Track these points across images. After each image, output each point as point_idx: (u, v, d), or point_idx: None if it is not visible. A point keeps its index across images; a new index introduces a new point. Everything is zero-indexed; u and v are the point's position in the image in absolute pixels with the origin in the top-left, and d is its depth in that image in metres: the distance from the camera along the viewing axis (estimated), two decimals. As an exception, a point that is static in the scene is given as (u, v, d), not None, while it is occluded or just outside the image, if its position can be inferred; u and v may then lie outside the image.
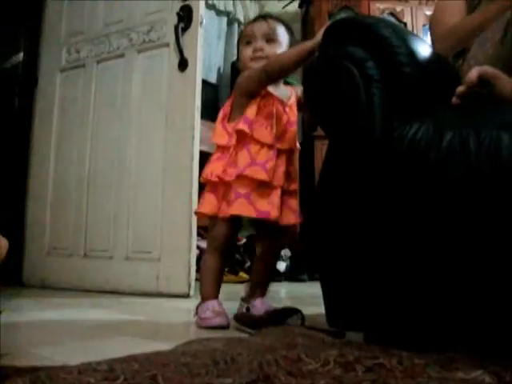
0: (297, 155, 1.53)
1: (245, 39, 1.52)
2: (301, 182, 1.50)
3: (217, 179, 1.43)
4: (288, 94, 1.52)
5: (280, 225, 1.43)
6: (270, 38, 1.48)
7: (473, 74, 1.02)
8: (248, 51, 1.49)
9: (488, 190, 0.86)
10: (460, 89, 1.03)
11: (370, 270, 1.01)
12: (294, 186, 1.49)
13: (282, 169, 1.43)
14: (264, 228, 1.48)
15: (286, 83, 1.57)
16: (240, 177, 1.39)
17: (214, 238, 1.48)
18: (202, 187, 2.26)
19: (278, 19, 1.57)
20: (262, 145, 1.42)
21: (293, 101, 1.51)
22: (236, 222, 1.45)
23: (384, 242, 0.98)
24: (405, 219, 0.95)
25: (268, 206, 1.38)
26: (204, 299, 1.46)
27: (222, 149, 1.47)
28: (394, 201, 0.97)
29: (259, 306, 1.43)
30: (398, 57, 1.06)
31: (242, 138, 1.43)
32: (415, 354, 0.77)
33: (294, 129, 1.47)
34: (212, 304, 1.43)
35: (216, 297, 1.47)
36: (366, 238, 1.02)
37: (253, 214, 1.38)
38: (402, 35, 1.11)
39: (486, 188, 0.86)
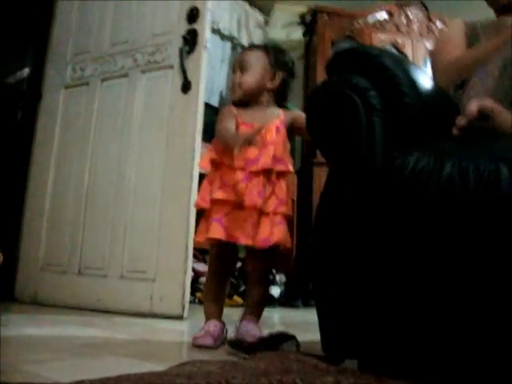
0: (287, 177, 1.53)
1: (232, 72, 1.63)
2: (298, 208, 1.50)
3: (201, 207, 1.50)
4: (266, 117, 1.53)
5: (268, 248, 1.43)
6: (242, 67, 1.57)
7: (473, 107, 1.03)
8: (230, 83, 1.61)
9: (487, 220, 0.87)
10: (460, 121, 1.05)
11: (368, 299, 1.00)
12: (282, 209, 1.47)
13: (256, 189, 1.43)
14: (251, 251, 1.48)
15: (284, 107, 1.59)
16: (213, 201, 1.45)
17: (210, 261, 1.58)
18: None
19: (257, 46, 1.67)
20: (233, 169, 1.45)
21: (274, 123, 1.51)
22: (229, 244, 1.46)
23: (382, 272, 0.98)
24: (404, 249, 0.95)
25: (239, 232, 1.42)
26: (206, 319, 1.51)
27: (206, 176, 1.55)
28: (393, 230, 0.97)
29: (243, 328, 1.43)
30: (399, 87, 1.07)
31: (216, 165, 1.50)
32: (410, 383, 0.77)
33: (269, 150, 1.46)
34: (208, 324, 1.47)
35: (215, 317, 1.50)
36: (364, 267, 1.02)
37: (223, 238, 1.42)
38: (405, 66, 1.13)
39: (484, 219, 0.87)
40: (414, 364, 0.94)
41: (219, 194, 1.44)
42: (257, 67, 1.55)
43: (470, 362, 0.89)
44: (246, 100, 1.57)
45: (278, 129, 1.51)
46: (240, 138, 1.41)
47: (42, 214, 2.68)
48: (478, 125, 1.03)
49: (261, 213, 1.43)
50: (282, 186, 1.49)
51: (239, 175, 1.44)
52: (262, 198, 1.43)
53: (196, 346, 1.42)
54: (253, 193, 1.42)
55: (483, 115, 1.03)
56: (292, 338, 1.30)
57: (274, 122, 1.51)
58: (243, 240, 1.42)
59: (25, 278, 2.66)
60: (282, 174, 1.50)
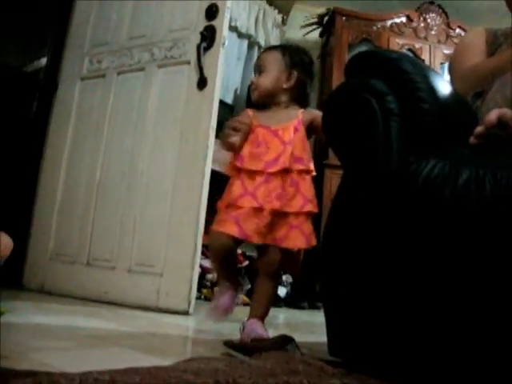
0: (310, 175, 1.51)
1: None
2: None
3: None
4: (283, 118, 1.54)
5: (282, 247, 1.44)
6: (260, 70, 1.59)
7: (492, 115, 1.02)
8: None
9: (501, 230, 0.86)
10: (478, 129, 1.04)
11: (377, 303, 1.00)
12: (308, 207, 1.46)
13: (275, 193, 1.44)
14: (265, 248, 1.48)
15: (304, 107, 1.59)
16: (231, 205, 1.45)
17: (213, 257, 1.57)
18: (210, 206, 2.27)
19: (273, 47, 1.67)
20: (252, 173, 1.46)
21: (292, 123, 1.52)
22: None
23: (393, 276, 0.98)
24: (416, 254, 0.94)
25: (254, 231, 1.42)
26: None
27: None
28: (406, 235, 0.96)
29: (248, 327, 1.42)
30: (418, 92, 1.07)
31: (237, 170, 1.50)
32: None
33: (287, 150, 1.47)
34: (217, 298, 1.53)
35: (225, 285, 1.52)
36: (374, 270, 1.01)
37: (238, 235, 1.42)
38: (424, 71, 1.12)
39: (500, 228, 0.86)
40: (422, 369, 0.93)
41: (244, 202, 1.44)
42: (273, 68, 1.56)
43: (482, 368, 0.88)
44: (264, 101, 1.57)
45: (295, 129, 1.51)
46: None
47: (53, 205, 2.69)
48: (496, 133, 1.02)
49: (281, 214, 1.44)
50: (307, 184, 1.49)
51: (258, 180, 1.45)
52: (281, 201, 1.43)
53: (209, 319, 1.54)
54: (271, 196, 1.43)
55: (502, 124, 1.02)
56: (292, 340, 1.30)
57: (291, 122, 1.52)
58: (258, 240, 1.42)
59: (33, 267, 2.68)
60: (304, 172, 1.50)
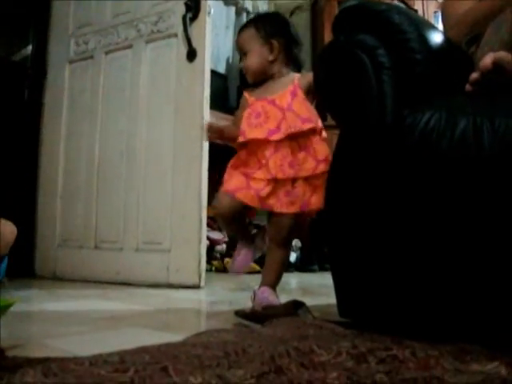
0: (314, 138, 1.48)
1: None
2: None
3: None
4: (278, 87, 1.53)
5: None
6: (243, 53, 1.57)
7: (487, 60, 0.99)
8: None
9: (502, 178, 0.84)
10: (474, 75, 1.01)
11: (382, 259, 1.00)
12: (322, 168, 1.43)
13: (287, 161, 1.43)
14: (276, 215, 1.47)
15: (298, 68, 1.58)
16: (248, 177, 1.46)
17: (225, 224, 1.64)
18: (210, 178, 2.26)
19: (243, 26, 1.64)
20: (259, 143, 1.46)
21: (287, 90, 1.50)
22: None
23: (395, 231, 0.97)
24: (416, 209, 0.93)
25: (273, 200, 1.44)
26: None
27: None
28: (405, 190, 0.95)
29: (259, 295, 1.43)
30: (409, 43, 1.04)
31: (242, 146, 1.51)
32: (428, 344, 0.76)
33: (288, 116, 1.46)
34: (234, 256, 1.62)
35: (240, 239, 1.61)
36: (377, 227, 1.00)
37: (258, 206, 1.46)
38: (414, 21, 1.09)
39: (500, 176, 0.84)
40: (432, 324, 0.93)
41: (258, 174, 1.45)
42: (252, 47, 1.54)
43: (489, 322, 0.88)
44: (259, 80, 1.56)
45: (293, 94, 1.49)
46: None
47: (55, 191, 2.70)
48: (492, 78, 0.99)
49: (295, 179, 1.44)
50: (317, 145, 1.47)
51: (268, 152, 1.44)
52: (294, 168, 1.43)
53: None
54: (284, 166, 1.43)
55: (498, 68, 0.99)
56: (303, 304, 1.30)
57: (287, 88, 1.50)
58: (278, 208, 1.43)
59: (43, 255, 2.70)
60: (313, 133, 1.48)
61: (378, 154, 1.00)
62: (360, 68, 1.04)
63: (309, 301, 1.37)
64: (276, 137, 1.44)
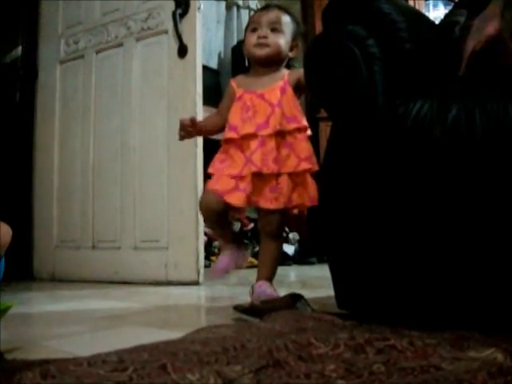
0: (306, 133, 1.50)
1: (251, 26, 1.56)
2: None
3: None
4: (268, 82, 1.52)
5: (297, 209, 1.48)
6: (275, 28, 1.51)
7: (491, 28, 0.97)
8: (253, 38, 1.53)
9: (495, 161, 0.84)
10: (474, 46, 0.97)
11: (379, 249, 1.00)
12: (304, 166, 1.44)
13: (271, 156, 1.43)
14: (264, 210, 1.48)
15: (288, 67, 1.57)
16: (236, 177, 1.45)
17: (206, 219, 1.63)
18: (206, 174, 2.25)
19: (286, 10, 1.60)
20: (248, 139, 1.45)
21: (277, 85, 1.50)
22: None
23: (391, 220, 0.97)
24: (411, 197, 0.93)
25: (258, 196, 1.44)
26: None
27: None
28: (400, 178, 0.95)
29: (257, 289, 1.44)
30: (399, 33, 1.04)
31: (231, 140, 1.49)
32: (426, 333, 0.77)
33: (276, 112, 1.46)
34: (220, 259, 1.58)
35: (225, 247, 1.58)
36: (373, 217, 1.00)
37: (244, 204, 1.44)
38: (403, 11, 1.09)
39: (493, 159, 0.85)
40: (429, 314, 0.94)
41: (248, 170, 1.44)
42: (287, 33, 1.53)
43: (485, 309, 0.89)
44: (268, 61, 1.53)
45: (282, 90, 1.50)
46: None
47: (51, 193, 2.69)
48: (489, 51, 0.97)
49: (279, 175, 1.44)
50: (301, 143, 1.48)
51: (253, 145, 1.44)
52: (278, 164, 1.43)
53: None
54: (268, 160, 1.43)
55: (500, 39, 0.96)
56: (301, 297, 1.30)
57: (277, 84, 1.50)
58: (263, 204, 1.43)
59: (41, 257, 2.69)
60: (299, 131, 1.48)
61: (371, 145, 0.99)
62: (350, 59, 1.03)
63: (307, 293, 1.37)
64: (264, 132, 1.44)
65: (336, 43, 1.08)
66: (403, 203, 0.95)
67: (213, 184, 1.49)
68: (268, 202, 1.43)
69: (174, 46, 2.33)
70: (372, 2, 1.09)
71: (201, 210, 1.55)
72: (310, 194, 1.45)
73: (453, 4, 1.64)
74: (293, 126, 1.47)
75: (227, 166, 1.48)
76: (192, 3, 2.30)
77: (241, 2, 4.07)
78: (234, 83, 1.57)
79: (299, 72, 1.52)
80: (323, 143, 3.53)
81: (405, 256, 0.96)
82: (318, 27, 3.81)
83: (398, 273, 0.98)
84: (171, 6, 2.32)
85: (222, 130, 1.56)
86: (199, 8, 2.32)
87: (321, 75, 1.12)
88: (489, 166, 0.85)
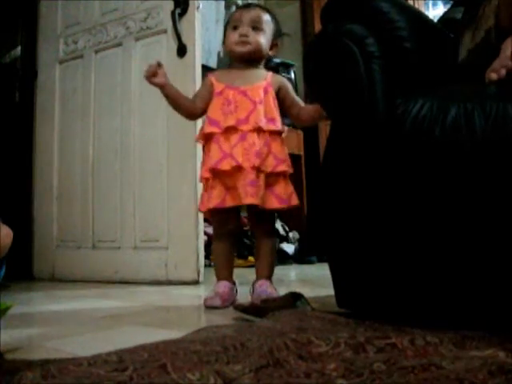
0: (277, 137, 1.52)
1: (232, 24, 1.58)
2: (306, 163, 1.50)
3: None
4: (251, 79, 1.54)
5: (265, 208, 1.47)
6: (256, 26, 1.54)
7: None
8: (234, 36, 1.55)
9: (494, 162, 0.84)
10: (502, 72, 0.94)
11: (378, 249, 1.00)
12: (282, 168, 1.48)
13: (253, 149, 1.45)
14: (252, 209, 1.50)
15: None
16: (214, 170, 1.46)
17: (213, 227, 1.62)
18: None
19: (266, 9, 1.62)
20: (227, 130, 1.46)
21: (261, 84, 1.52)
22: (228, 208, 1.49)
23: (391, 219, 0.97)
24: (411, 196, 0.93)
25: (241, 193, 1.43)
26: (216, 280, 1.57)
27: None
28: (399, 178, 0.95)
29: (258, 288, 1.45)
30: (398, 32, 1.04)
31: (212, 137, 1.50)
32: (428, 331, 0.77)
33: (258, 109, 1.48)
34: (218, 285, 1.53)
35: (225, 278, 1.55)
36: (373, 216, 1.00)
37: (223, 205, 1.47)
38: (403, 9, 1.08)
39: (492, 161, 0.84)
40: (429, 312, 0.94)
41: (225, 164, 1.45)
42: (268, 32, 1.56)
43: (489, 308, 0.88)
44: (249, 59, 1.56)
45: (265, 89, 1.52)
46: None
47: (51, 192, 2.69)
48: None
49: (259, 171, 1.44)
50: (278, 145, 1.50)
51: (234, 139, 1.45)
52: (260, 158, 1.44)
53: (206, 307, 1.50)
54: (250, 153, 1.44)
55: None
56: (301, 296, 1.30)
57: (260, 82, 1.53)
58: (246, 200, 1.43)
59: (41, 257, 2.69)
60: (276, 133, 1.51)
61: (370, 144, 0.99)
62: (349, 58, 1.03)
63: (308, 292, 1.37)
64: (245, 127, 1.46)
65: (335, 42, 1.08)
66: (403, 201, 0.95)
67: (207, 203, 1.49)
68: (249, 196, 1.43)
69: (173, 46, 2.33)
70: (371, 0, 1.09)
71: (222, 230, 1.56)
72: (281, 195, 1.46)
73: (451, 2, 1.63)
74: (272, 127, 1.49)
75: (206, 162, 1.49)
76: (191, 3, 2.30)
77: (240, 2, 4.07)
78: (213, 77, 1.57)
79: (281, 81, 1.55)
80: (323, 143, 3.54)
81: (405, 255, 0.96)
82: (318, 27, 3.80)
83: (398, 271, 0.98)
84: (170, 5, 2.32)
85: (187, 113, 1.59)
86: (198, 7, 2.32)
87: (319, 73, 1.12)
88: (488, 166, 0.85)
